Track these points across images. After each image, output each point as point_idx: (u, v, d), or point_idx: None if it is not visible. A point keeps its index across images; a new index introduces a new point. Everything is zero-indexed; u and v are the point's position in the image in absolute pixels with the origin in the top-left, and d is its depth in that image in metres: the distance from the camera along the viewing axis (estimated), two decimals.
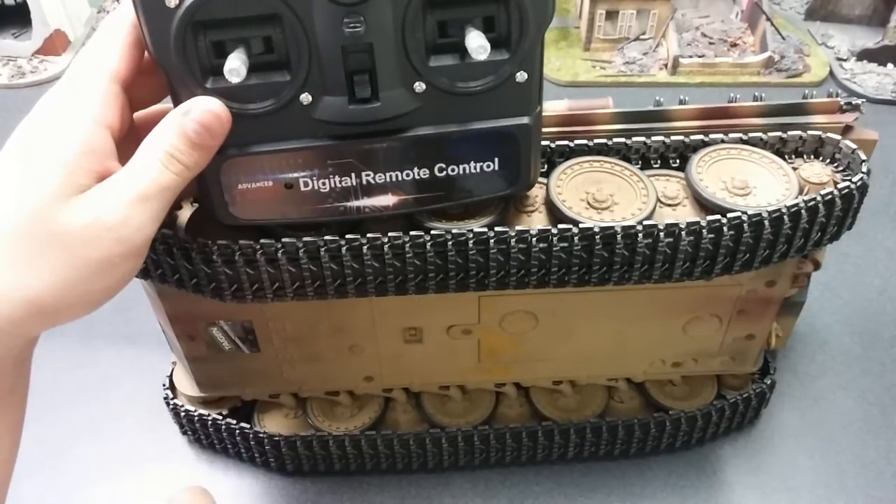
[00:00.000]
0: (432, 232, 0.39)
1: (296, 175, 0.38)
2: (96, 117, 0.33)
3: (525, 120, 0.38)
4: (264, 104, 0.35)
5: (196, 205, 0.45)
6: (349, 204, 0.39)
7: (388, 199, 0.39)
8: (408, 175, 0.38)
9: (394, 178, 0.38)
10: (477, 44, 0.33)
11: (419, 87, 0.36)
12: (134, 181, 0.32)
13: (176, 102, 0.35)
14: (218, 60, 0.34)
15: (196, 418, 0.55)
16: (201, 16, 0.33)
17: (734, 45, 1.00)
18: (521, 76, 0.36)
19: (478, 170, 0.39)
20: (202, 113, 0.34)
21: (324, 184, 0.38)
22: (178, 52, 0.33)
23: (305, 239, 0.40)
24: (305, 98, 0.35)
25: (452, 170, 0.39)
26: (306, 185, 0.38)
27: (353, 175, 0.38)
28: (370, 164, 0.38)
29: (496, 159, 0.39)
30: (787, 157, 0.45)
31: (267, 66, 0.35)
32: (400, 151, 0.38)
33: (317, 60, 0.34)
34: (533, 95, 0.38)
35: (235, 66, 0.33)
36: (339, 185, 0.38)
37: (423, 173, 0.38)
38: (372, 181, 0.38)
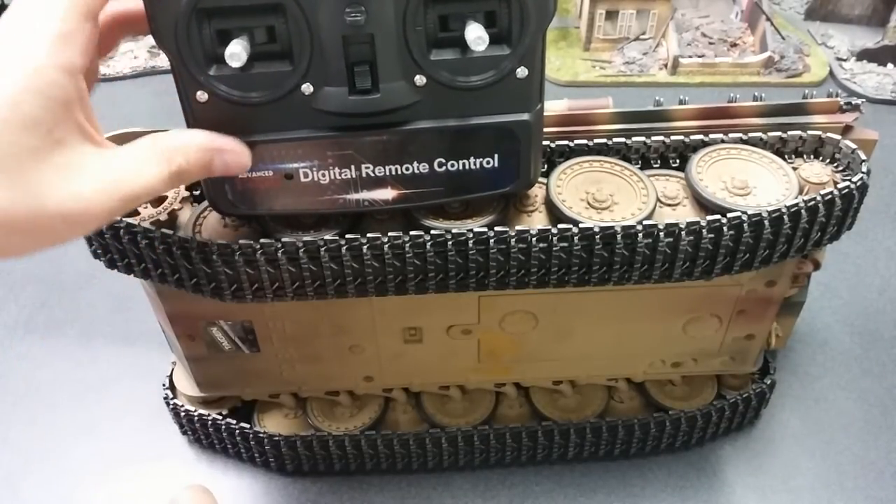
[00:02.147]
0: (432, 232, 0.39)
1: (296, 165, 0.38)
2: (63, 65, 0.29)
3: (525, 116, 0.38)
4: (266, 93, 0.35)
5: (196, 204, 0.45)
6: (349, 196, 0.39)
7: (387, 193, 0.39)
8: (407, 169, 0.38)
9: (393, 172, 0.38)
10: (475, 35, 0.33)
11: (420, 80, 0.36)
12: (133, 182, 0.31)
13: (179, 87, 0.36)
14: (222, 49, 0.34)
15: (196, 418, 0.55)
16: (206, 3, 0.33)
17: (734, 45, 1.00)
18: (522, 72, 0.36)
19: (478, 166, 0.39)
20: (236, 162, 0.35)
21: (323, 175, 0.38)
22: (183, 39, 0.34)
23: (305, 239, 0.40)
24: (307, 88, 0.35)
25: (452, 165, 0.39)
26: (306, 175, 0.38)
27: (352, 167, 0.38)
28: (370, 157, 0.38)
29: (496, 156, 0.39)
30: (787, 157, 0.45)
31: (270, 55, 0.35)
32: (399, 145, 0.38)
33: (318, 50, 0.34)
34: (533, 92, 0.38)
35: (236, 51, 0.33)
36: (338, 176, 0.38)
37: (423, 168, 0.38)
38: (371, 174, 0.38)
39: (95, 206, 0.29)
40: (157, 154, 0.32)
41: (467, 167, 0.39)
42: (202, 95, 0.35)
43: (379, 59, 0.34)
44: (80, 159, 0.30)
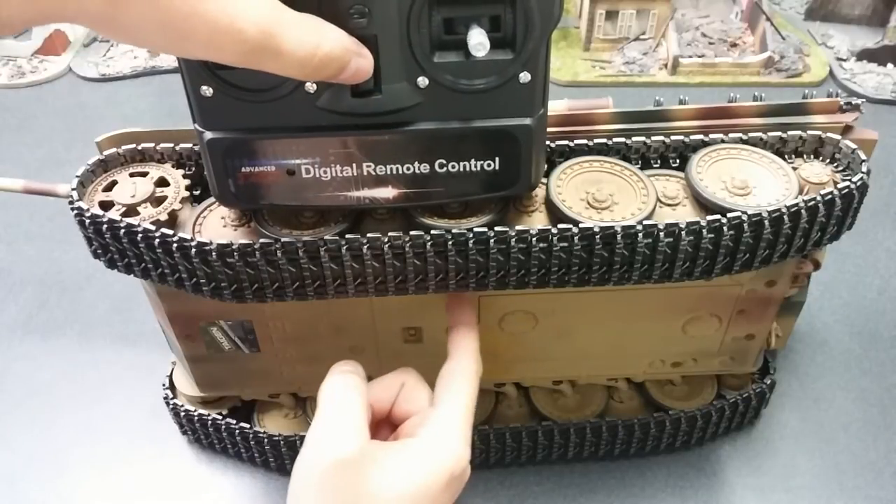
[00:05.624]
0: (432, 232, 0.39)
1: (298, 162, 0.38)
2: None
3: (527, 121, 0.38)
4: (270, 90, 0.36)
5: (196, 204, 0.45)
6: (350, 194, 0.39)
7: (388, 192, 0.39)
8: (408, 169, 0.39)
9: (394, 171, 0.39)
10: (476, 41, 0.33)
11: (422, 82, 0.36)
12: (286, 36, 0.29)
13: (185, 81, 0.36)
14: None
15: (196, 418, 0.55)
16: None
17: (734, 45, 1.00)
18: (525, 77, 0.36)
19: (478, 168, 0.39)
20: (365, 69, 0.33)
21: (325, 172, 0.38)
22: None
23: (305, 239, 0.40)
24: (311, 86, 0.36)
25: (453, 166, 0.39)
26: (308, 172, 0.38)
27: (354, 166, 0.38)
28: (371, 156, 0.38)
29: (497, 159, 0.39)
30: (787, 156, 0.45)
31: None
32: (401, 145, 0.38)
33: None
34: (536, 97, 0.38)
35: None
36: (340, 174, 0.39)
37: (424, 168, 0.39)
38: (373, 173, 0.39)
39: (244, 28, 0.28)
40: (318, 28, 0.31)
41: (468, 169, 0.39)
42: (207, 90, 0.36)
43: (382, 60, 0.35)
44: None
